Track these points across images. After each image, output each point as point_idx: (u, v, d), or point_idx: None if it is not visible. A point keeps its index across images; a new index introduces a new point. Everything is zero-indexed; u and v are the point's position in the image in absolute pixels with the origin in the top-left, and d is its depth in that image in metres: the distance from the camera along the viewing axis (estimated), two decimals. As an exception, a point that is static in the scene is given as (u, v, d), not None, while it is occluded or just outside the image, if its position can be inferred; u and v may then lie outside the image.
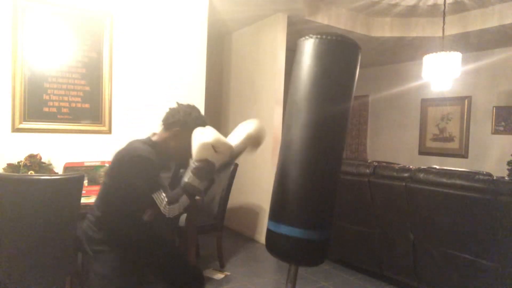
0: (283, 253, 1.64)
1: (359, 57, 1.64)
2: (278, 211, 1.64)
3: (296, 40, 1.69)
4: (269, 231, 1.66)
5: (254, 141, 1.75)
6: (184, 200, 1.56)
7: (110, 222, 1.68)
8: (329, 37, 1.55)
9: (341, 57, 1.58)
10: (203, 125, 1.66)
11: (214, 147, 1.52)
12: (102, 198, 1.71)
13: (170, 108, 1.74)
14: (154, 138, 1.72)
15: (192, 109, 1.72)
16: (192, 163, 1.55)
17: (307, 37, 1.60)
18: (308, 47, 1.58)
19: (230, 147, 1.60)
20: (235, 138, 1.73)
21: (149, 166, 1.56)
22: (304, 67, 1.58)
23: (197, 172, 1.53)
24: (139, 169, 1.55)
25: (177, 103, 1.75)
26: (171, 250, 1.96)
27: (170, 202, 1.53)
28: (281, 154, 1.67)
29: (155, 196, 1.53)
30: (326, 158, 1.59)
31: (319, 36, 1.55)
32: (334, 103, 1.58)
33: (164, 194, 1.54)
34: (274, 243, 1.65)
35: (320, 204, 1.60)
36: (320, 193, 1.60)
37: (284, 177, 1.62)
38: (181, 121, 1.66)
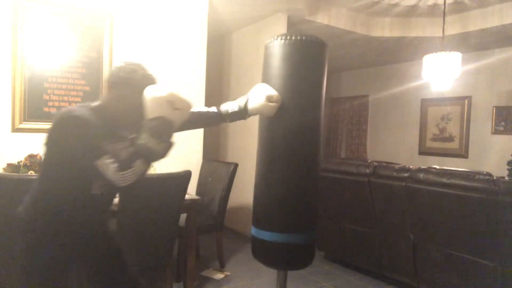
0: (269, 259, 1.61)
1: (326, 55, 1.62)
2: (260, 217, 1.62)
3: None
4: (253, 238, 1.64)
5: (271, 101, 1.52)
6: (139, 165, 1.28)
7: (50, 203, 1.43)
8: (294, 38, 1.52)
9: (309, 58, 1.56)
10: (152, 83, 1.42)
11: (171, 103, 1.30)
12: (40, 176, 1.48)
13: (114, 66, 1.50)
14: (95, 103, 1.46)
15: (137, 66, 1.48)
16: (146, 122, 1.30)
17: (272, 39, 1.58)
18: (275, 50, 1.56)
19: (189, 103, 1.36)
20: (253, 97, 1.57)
21: (87, 127, 1.31)
22: (273, 70, 1.56)
23: (152, 131, 1.28)
24: (75, 131, 1.30)
25: (124, 61, 1.51)
26: (115, 248, 1.67)
27: (121, 168, 1.26)
28: (258, 160, 1.64)
29: (99, 163, 1.27)
30: (303, 161, 1.57)
31: (284, 38, 1.53)
32: (306, 104, 1.56)
33: (111, 160, 1.27)
34: (259, 249, 1.63)
35: (301, 207, 1.58)
36: (301, 196, 1.58)
37: (263, 182, 1.61)
38: (126, 79, 1.41)
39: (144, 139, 1.28)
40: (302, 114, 1.55)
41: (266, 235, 1.57)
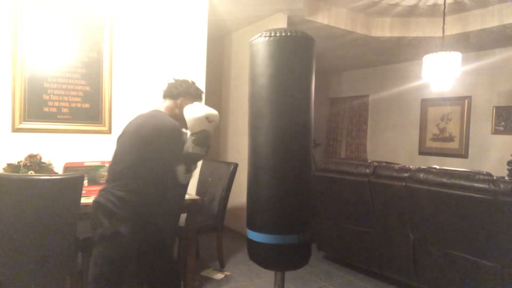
0: (265, 261, 1.61)
1: (313, 50, 1.57)
2: (254, 219, 1.61)
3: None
4: (248, 240, 1.63)
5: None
6: (194, 168, 1.83)
7: (136, 197, 1.73)
8: (280, 34, 1.47)
9: (296, 54, 1.50)
10: (201, 96, 2.01)
11: (207, 118, 1.77)
12: (128, 173, 1.75)
13: (170, 83, 1.98)
14: (163, 110, 1.92)
15: (191, 82, 1.99)
16: (193, 135, 1.76)
17: (257, 36, 1.52)
18: (260, 47, 1.50)
19: (217, 115, 1.84)
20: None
21: (179, 137, 1.78)
22: (259, 69, 1.52)
23: (198, 142, 1.75)
24: (173, 141, 1.76)
25: (174, 78, 2.01)
26: (169, 245, 2.05)
27: (187, 171, 1.79)
28: (249, 161, 1.63)
29: (178, 167, 1.79)
30: (294, 160, 1.55)
31: (269, 34, 1.48)
32: (294, 103, 1.52)
33: (184, 166, 1.79)
34: (255, 251, 1.62)
35: (295, 207, 1.57)
36: (292, 197, 1.56)
37: (255, 184, 1.59)
38: (185, 92, 1.92)
39: (195, 148, 1.75)
40: (290, 113, 1.51)
41: (260, 237, 1.57)
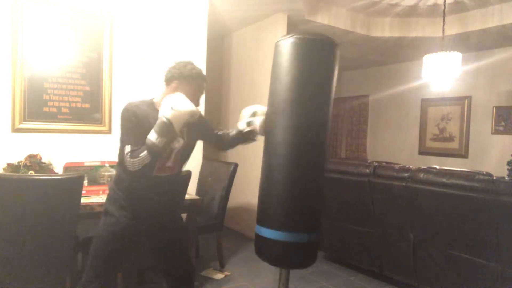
0: (273, 257, 1.62)
1: (338, 55, 1.61)
2: (266, 215, 1.62)
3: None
4: (257, 236, 1.64)
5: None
6: (144, 157, 1.58)
7: (124, 178, 1.73)
8: (307, 37, 1.52)
9: (320, 57, 1.55)
10: (200, 74, 1.78)
11: (173, 106, 1.58)
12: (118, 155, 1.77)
13: (167, 67, 1.82)
14: (159, 97, 1.77)
15: (186, 62, 1.80)
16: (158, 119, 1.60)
17: (284, 37, 1.57)
18: (286, 48, 1.55)
19: (190, 106, 1.62)
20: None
21: (128, 117, 1.64)
22: (283, 68, 1.56)
23: (156, 128, 1.56)
24: (122, 121, 1.67)
25: (174, 61, 1.83)
26: (180, 230, 1.96)
27: (132, 156, 1.59)
28: (265, 158, 1.65)
29: (124, 148, 1.63)
30: (310, 159, 1.57)
31: (297, 36, 1.52)
32: (314, 104, 1.55)
33: (129, 148, 1.61)
34: (263, 248, 1.63)
35: (307, 206, 1.59)
36: (306, 195, 1.58)
37: (269, 181, 1.61)
38: (178, 73, 1.74)
39: (151, 134, 1.56)
40: (309, 113, 1.55)
41: (270, 233, 1.58)
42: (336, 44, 1.60)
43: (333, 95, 1.63)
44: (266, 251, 1.63)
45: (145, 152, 1.56)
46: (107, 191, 1.90)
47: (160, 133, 1.54)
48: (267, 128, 1.66)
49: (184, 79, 1.74)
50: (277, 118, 1.58)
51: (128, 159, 1.59)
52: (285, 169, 1.56)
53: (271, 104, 1.64)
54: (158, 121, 1.56)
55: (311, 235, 1.59)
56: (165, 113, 1.56)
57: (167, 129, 1.55)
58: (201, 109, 3.70)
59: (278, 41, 1.61)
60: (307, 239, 1.57)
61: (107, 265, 1.74)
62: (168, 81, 1.76)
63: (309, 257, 1.63)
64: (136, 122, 1.65)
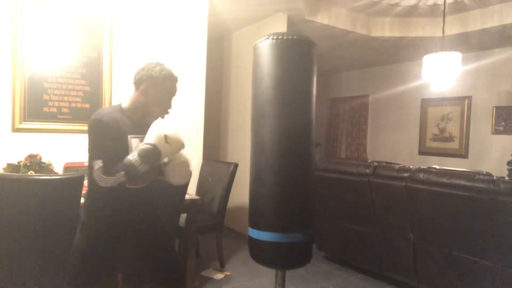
0: (266, 259, 1.63)
1: (315, 54, 1.63)
2: (257, 217, 1.63)
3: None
4: (250, 239, 1.65)
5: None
6: (120, 176, 1.55)
7: (96, 190, 1.68)
8: (283, 37, 1.54)
9: (298, 57, 1.57)
10: (169, 76, 1.71)
11: (167, 138, 1.58)
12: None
13: (136, 69, 1.77)
14: (124, 103, 1.73)
15: (156, 64, 1.74)
16: (141, 145, 1.59)
17: (262, 39, 1.59)
18: (265, 50, 1.57)
19: (181, 144, 1.67)
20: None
21: (98, 129, 1.60)
22: (264, 70, 1.57)
23: (142, 153, 1.55)
24: (90, 133, 1.63)
25: (144, 63, 1.78)
26: (167, 245, 1.95)
27: (106, 173, 1.54)
28: (252, 160, 1.65)
29: (92, 163, 1.56)
30: (297, 159, 1.58)
31: (274, 37, 1.54)
32: (297, 103, 1.57)
33: (101, 163, 1.55)
34: (257, 250, 1.64)
35: (296, 206, 1.59)
36: (295, 195, 1.59)
37: (258, 182, 1.61)
38: (146, 75, 1.68)
39: (134, 157, 1.54)
40: (293, 114, 1.56)
41: (262, 235, 1.58)
42: (314, 43, 1.61)
43: (314, 93, 1.64)
44: (260, 253, 1.63)
45: (122, 173, 1.53)
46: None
47: (145, 160, 1.54)
48: (253, 130, 1.65)
49: (153, 81, 1.68)
50: (261, 120, 1.58)
51: (100, 175, 1.54)
52: (272, 170, 1.56)
53: (255, 106, 1.64)
54: (146, 147, 1.54)
55: (303, 234, 1.59)
56: (156, 142, 1.55)
57: (154, 158, 1.56)
58: (201, 109, 3.71)
59: (256, 43, 1.62)
60: (300, 238, 1.58)
61: (87, 279, 1.72)
62: (137, 83, 1.71)
63: (303, 256, 1.64)
64: (108, 134, 1.59)
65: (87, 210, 1.74)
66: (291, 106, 1.55)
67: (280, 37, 1.53)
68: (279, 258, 1.60)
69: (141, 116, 1.73)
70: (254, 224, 1.63)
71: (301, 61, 1.57)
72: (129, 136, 1.67)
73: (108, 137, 1.58)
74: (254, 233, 1.62)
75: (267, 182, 1.58)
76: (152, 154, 1.55)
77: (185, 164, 1.76)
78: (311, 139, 1.63)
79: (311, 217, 1.67)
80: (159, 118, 1.72)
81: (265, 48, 1.57)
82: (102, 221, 1.71)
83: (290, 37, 1.54)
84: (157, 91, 1.68)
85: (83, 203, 1.78)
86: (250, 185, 1.67)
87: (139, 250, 1.87)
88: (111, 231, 1.72)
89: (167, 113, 1.75)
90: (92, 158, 1.58)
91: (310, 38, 1.60)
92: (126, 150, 1.63)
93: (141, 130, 1.70)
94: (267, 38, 1.56)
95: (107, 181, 1.54)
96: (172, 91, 1.75)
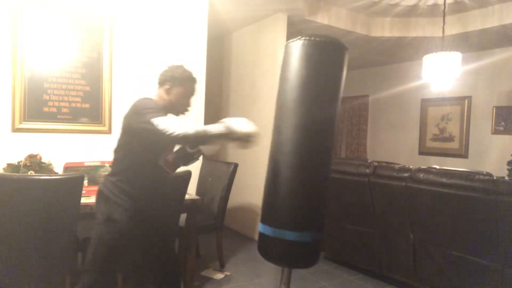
0: (276, 256, 1.63)
1: (346, 58, 1.64)
2: (270, 214, 1.63)
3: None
4: (261, 235, 1.65)
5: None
6: (192, 128, 1.57)
7: (129, 182, 1.77)
8: (317, 39, 1.55)
9: (329, 59, 1.58)
10: (190, 77, 1.87)
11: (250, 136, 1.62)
12: (117, 157, 1.83)
13: (162, 70, 1.92)
14: (153, 98, 1.87)
15: (178, 66, 1.90)
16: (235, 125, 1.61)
17: (295, 39, 1.60)
18: (296, 49, 1.58)
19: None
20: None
21: (153, 103, 1.75)
22: (292, 69, 1.59)
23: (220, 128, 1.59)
24: (146, 106, 1.68)
25: (167, 65, 1.92)
26: (169, 239, 2.05)
27: (176, 123, 1.57)
28: (271, 156, 1.67)
29: (162, 119, 1.59)
30: (316, 159, 1.59)
31: (307, 38, 1.55)
32: (322, 105, 1.58)
33: (173, 117, 1.70)
34: (267, 246, 1.64)
35: (312, 205, 1.60)
36: (312, 195, 1.60)
37: (275, 179, 1.62)
38: (170, 76, 1.84)
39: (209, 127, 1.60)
40: (317, 113, 1.57)
41: (273, 232, 1.58)
42: (345, 47, 1.62)
43: (341, 97, 1.65)
44: (270, 249, 1.63)
45: (194, 130, 1.56)
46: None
47: (218, 135, 1.58)
48: (275, 127, 1.68)
49: (176, 81, 1.84)
50: (285, 117, 1.59)
51: (179, 126, 1.55)
52: (291, 168, 1.57)
53: (280, 103, 1.66)
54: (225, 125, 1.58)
55: (315, 235, 1.60)
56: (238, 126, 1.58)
57: (226, 136, 1.58)
58: (201, 109, 3.71)
59: (287, 43, 1.65)
60: (312, 238, 1.58)
61: (107, 269, 1.77)
62: (161, 83, 1.87)
63: (312, 257, 1.64)
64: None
65: (130, 196, 1.78)
66: (314, 106, 1.57)
67: (312, 38, 1.55)
68: (289, 256, 1.60)
69: (164, 112, 1.83)
70: (266, 220, 1.63)
71: (330, 63, 1.59)
72: None
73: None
74: (266, 229, 1.62)
75: (285, 178, 1.58)
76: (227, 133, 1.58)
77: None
78: (332, 140, 1.64)
79: (324, 217, 1.68)
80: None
81: (296, 48, 1.58)
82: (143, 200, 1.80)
83: (321, 39, 1.56)
84: (178, 91, 1.84)
85: (105, 195, 1.79)
86: (266, 181, 1.67)
87: (143, 247, 1.91)
88: (138, 221, 1.79)
89: (187, 110, 1.91)
90: (158, 115, 1.62)
91: (342, 42, 1.61)
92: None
93: None
94: (299, 38, 1.58)
95: (181, 128, 1.55)
96: (192, 91, 1.90)
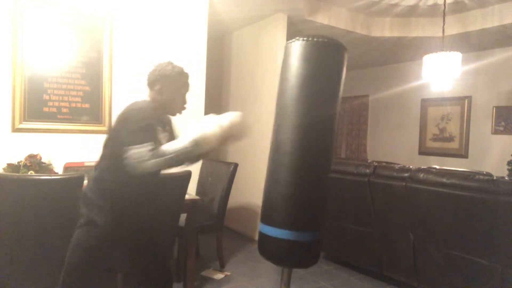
0: (275, 256, 1.63)
1: (346, 59, 1.65)
2: (269, 213, 1.63)
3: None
4: (261, 234, 1.64)
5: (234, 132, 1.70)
6: (169, 157, 1.48)
7: (113, 186, 1.69)
8: (315, 39, 1.55)
9: (328, 59, 1.58)
10: (181, 71, 1.77)
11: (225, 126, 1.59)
12: (101, 160, 1.75)
13: (149, 71, 1.81)
14: (146, 99, 1.78)
15: (167, 63, 1.80)
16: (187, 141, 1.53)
17: (294, 39, 1.60)
18: (295, 50, 1.58)
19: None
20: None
21: (145, 115, 1.59)
22: (292, 69, 1.59)
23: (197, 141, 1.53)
24: (134, 119, 1.58)
25: (154, 64, 1.83)
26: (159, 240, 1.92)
27: (155, 155, 1.45)
28: (271, 156, 1.67)
29: (132, 149, 1.46)
30: (316, 159, 1.59)
31: (306, 39, 1.55)
32: (321, 105, 1.58)
33: (150, 146, 1.46)
34: (266, 246, 1.64)
35: (311, 205, 1.60)
36: (311, 194, 1.59)
37: (274, 179, 1.62)
38: (159, 75, 1.74)
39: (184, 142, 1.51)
40: (317, 113, 1.57)
41: (273, 232, 1.58)
42: (344, 48, 1.63)
43: (340, 96, 1.65)
44: (270, 249, 1.63)
45: (172, 155, 1.47)
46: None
47: (197, 148, 1.51)
48: (275, 126, 1.67)
49: (167, 79, 1.74)
50: (285, 117, 1.59)
51: (149, 158, 1.44)
52: (291, 167, 1.57)
53: (280, 104, 1.66)
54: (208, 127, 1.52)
55: (315, 234, 1.59)
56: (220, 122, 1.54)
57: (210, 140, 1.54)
58: (201, 109, 3.71)
59: (287, 43, 1.65)
60: (312, 238, 1.58)
61: (85, 278, 1.70)
62: (152, 84, 1.76)
63: (312, 257, 1.64)
64: (150, 119, 1.60)
65: (114, 199, 1.69)
66: (315, 106, 1.57)
67: (310, 38, 1.55)
68: (289, 256, 1.60)
69: (159, 114, 1.77)
70: (266, 220, 1.63)
71: (329, 64, 1.59)
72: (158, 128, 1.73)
73: (150, 124, 1.59)
74: (266, 229, 1.62)
75: (285, 178, 1.58)
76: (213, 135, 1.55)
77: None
78: (332, 140, 1.64)
79: (324, 217, 1.68)
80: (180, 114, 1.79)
81: (295, 48, 1.58)
82: (123, 211, 1.71)
83: (320, 40, 1.56)
84: (171, 89, 1.74)
85: (88, 198, 1.72)
86: (266, 180, 1.67)
87: (137, 249, 1.85)
88: (123, 225, 1.71)
89: (184, 108, 1.80)
90: (134, 142, 1.48)
91: (341, 43, 1.62)
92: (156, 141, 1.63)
93: (161, 126, 1.79)
94: (299, 39, 1.58)
95: (157, 164, 1.46)
96: (185, 87, 1.81)
